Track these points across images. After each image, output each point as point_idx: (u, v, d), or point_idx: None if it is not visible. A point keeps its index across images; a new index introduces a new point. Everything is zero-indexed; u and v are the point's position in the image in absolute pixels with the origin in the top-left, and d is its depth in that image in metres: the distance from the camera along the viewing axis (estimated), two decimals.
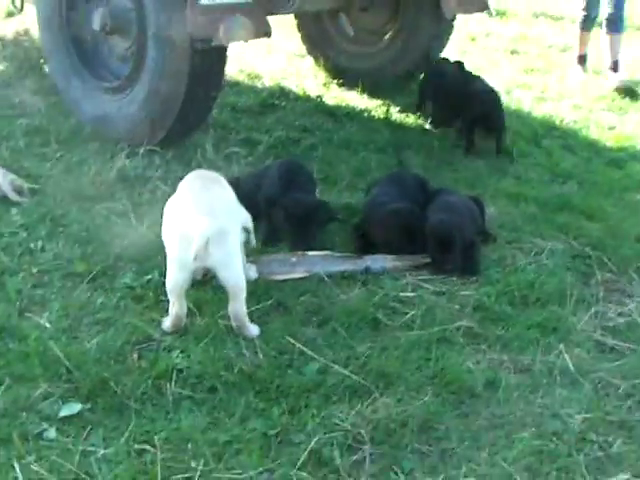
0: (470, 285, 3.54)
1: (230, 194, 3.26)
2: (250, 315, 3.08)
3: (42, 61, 6.63)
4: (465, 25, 8.13)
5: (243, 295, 3.01)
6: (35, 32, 8.15)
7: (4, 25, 8.73)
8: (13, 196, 4.03)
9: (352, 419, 2.61)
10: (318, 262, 3.59)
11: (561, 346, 3.12)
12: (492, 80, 6.73)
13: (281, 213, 3.73)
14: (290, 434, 2.55)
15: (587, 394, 2.86)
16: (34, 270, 3.42)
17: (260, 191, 3.91)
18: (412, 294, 3.43)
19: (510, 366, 3.01)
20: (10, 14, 9.01)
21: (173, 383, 2.71)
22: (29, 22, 8.52)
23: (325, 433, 2.55)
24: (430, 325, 3.19)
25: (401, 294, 3.42)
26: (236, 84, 6.32)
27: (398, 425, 2.60)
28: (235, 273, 3.00)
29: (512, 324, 3.24)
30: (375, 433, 2.57)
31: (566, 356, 3.06)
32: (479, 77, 5.75)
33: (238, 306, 3.00)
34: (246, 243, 3.27)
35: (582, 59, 7.46)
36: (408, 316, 3.25)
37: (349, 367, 2.88)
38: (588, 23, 7.31)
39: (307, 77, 6.63)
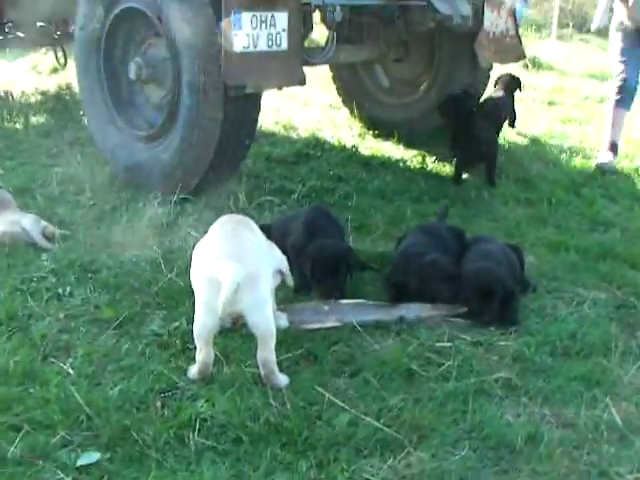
0: (509, 335, 3.39)
1: (260, 238, 3.18)
2: (279, 364, 2.96)
3: (81, 113, 6.74)
4: None
5: (273, 342, 2.90)
6: (76, 87, 8.37)
7: (48, 80, 8.97)
8: (42, 243, 4.03)
9: (384, 474, 2.46)
10: (350, 311, 3.48)
11: (607, 400, 2.93)
12: (530, 130, 6.73)
13: (307, 260, 3.64)
14: None
15: (638, 451, 2.67)
16: (61, 315, 3.37)
17: (288, 238, 3.83)
18: (448, 344, 3.29)
19: (552, 420, 2.83)
20: (55, 70, 9.30)
21: (196, 433, 2.59)
22: (71, 77, 8.75)
23: None
24: (467, 376, 3.04)
25: (437, 344, 3.28)
26: (271, 135, 6.35)
27: None
28: (265, 318, 2.89)
29: (553, 376, 3.07)
30: None
31: (613, 410, 2.87)
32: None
33: (267, 353, 2.89)
34: (282, 284, 3.21)
35: (614, 147, 6.20)
36: (444, 367, 3.10)
37: (381, 419, 2.73)
38: (626, 98, 6.15)
39: (342, 128, 6.63)
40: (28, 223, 4.09)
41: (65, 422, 2.61)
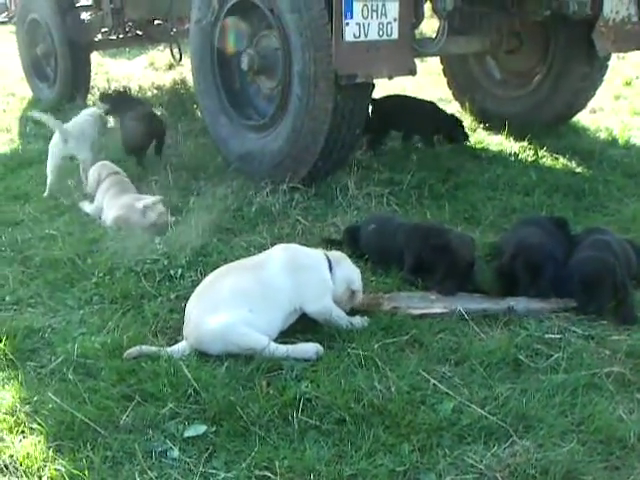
0: (622, 330, 3.25)
1: None
2: (384, 349, 2.98)
3: (195, 107, 6.94)
4: (621, 70, 7.80)
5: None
6: (190, 82, 8.64)
7: (164, 75, 9.28)
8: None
9: (487, 461, 2.41)
10: (458, 300, 3.43)
11: None
12: None
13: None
14: (419, 472, 2.38)
15: None
16: (172, 295, 3.48)
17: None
18: (558, 336, 3.19)
19: None
20: (170, 66, 9.63)
21: (300, 412, 2.61)
22: (186, 72, 9.03)
23: (457, 474, 2.37)
24: (577, 369, 2.93)
25: (546, 336, 3.19)
26: None
27: (538, 472, 2.37)
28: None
29: None
30: (512, 478, 2.35)
31: None
32: None
33: None
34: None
35: None
36: (552, 359, 3.00)
37: (486, 407, 2.67)
38: None
39: None
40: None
41: (174, 395, 2.69)
